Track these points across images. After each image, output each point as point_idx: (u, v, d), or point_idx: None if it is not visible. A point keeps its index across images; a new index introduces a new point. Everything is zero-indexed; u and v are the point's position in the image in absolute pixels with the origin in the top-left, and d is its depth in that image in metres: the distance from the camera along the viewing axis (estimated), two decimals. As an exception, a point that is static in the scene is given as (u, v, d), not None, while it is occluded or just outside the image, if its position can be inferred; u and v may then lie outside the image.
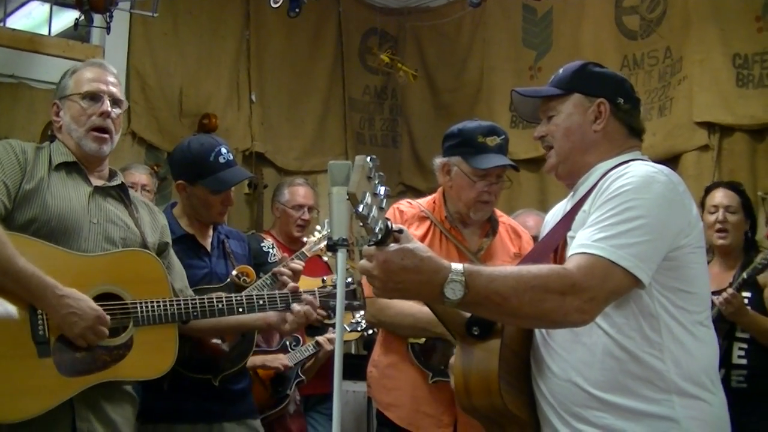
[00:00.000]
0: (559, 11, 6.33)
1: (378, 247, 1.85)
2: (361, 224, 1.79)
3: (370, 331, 4.03)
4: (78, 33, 5.49)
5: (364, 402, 5.38)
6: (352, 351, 5.90)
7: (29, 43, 5.39)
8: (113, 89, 2.84)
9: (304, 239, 4.13)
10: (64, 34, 5.68)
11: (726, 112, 5.25)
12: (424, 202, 3.40)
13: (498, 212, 3.45)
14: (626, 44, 5.88)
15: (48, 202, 2.62)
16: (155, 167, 5.51)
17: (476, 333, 2.12)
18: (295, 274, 3.29)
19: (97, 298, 2.59)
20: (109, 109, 2.80)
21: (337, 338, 1.95)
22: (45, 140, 4.32)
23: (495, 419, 2.17)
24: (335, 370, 1.90)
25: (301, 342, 4.36)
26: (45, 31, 5.63)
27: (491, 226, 3.37)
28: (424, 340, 3.17)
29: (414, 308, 3.13)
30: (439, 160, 3.33)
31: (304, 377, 4.35)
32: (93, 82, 2.81)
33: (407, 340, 3.20)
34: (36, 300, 2.50)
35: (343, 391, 1.94)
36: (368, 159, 1.80)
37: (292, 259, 3.42)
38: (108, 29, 5.23)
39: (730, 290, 3.77)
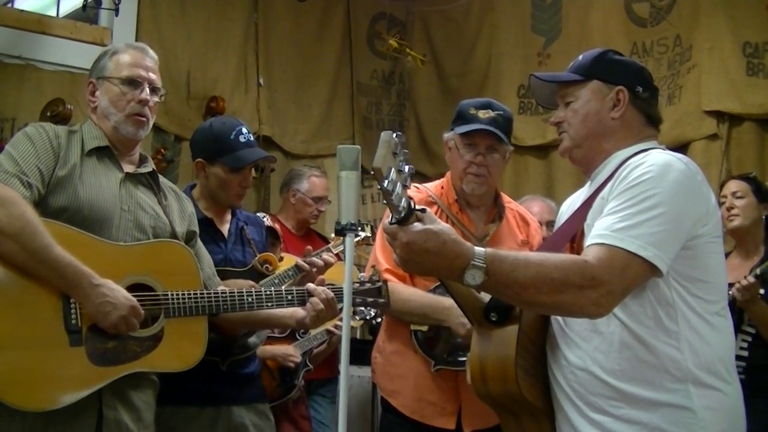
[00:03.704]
0: (568, -2, 6.30)
1: (400, 226, 1.85)
2: (385, 201, 1.78)
3: (379, 320, 4.07)
4: (86, 14, 5.47)
5: (369, 387, 5.38)
6: (357, 336, 5.90)
7: (37, 24, 5.36)
8: (153, 76, 2.81)
9: (332, 236, 4.13)
10: (72, 16, 5.65)
11: (735, 101, 5.23)
12: (432, 186, 3.37)
13: (506, 198, 3.44)
14: (635, 31, 5.85)
15: (79, 191, 2.61)
16: (162, 150, 5.50)
17: (494, 319, 2.13)
18: (326, 265, 3.29)
19: (129, 289, 2.58)
20: (149, 97, 2.78)
21: (344, 325, 1.94)
22: (44, 121, 4.34)
23: (509, 407, 2.17)
24: (342, 357, 1.89)
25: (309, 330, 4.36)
26: (53, 13, 5.60)
27: (498, 210, 3.35)
28: (427, 327, 3.16)
29: (418, 293, 3.14)
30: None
31: (311, 366, 4.35)
32: (134, 67, 2.78)
33: (410, 327, 3.19)
34: (71, 289, 2.48)
35: (347, 375, 1.95)
36: (394, 135, 1.79)
37: (318, 253, 3.40)
38: (116, 11, 5.23)
39: (750, 277, 3.80)
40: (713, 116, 5.30)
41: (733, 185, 4.18)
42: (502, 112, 3.24)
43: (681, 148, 5.23)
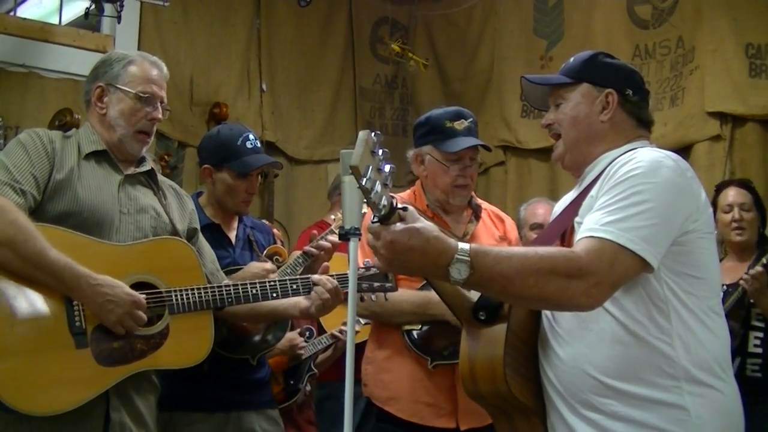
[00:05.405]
0: (570, 0, 6.29)
1: (382, 225, 1.84)
2: (365, 200, 1.77)
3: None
4: (88, 22, 5.50)
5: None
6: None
7: (40, 32, 5.40)
8: (164, 94, 2.81)
9: (332, 217, 4.14)
10: (75, 24, 5.69)
11: (738, 102, 5.21)
12: (404, 195, 3.39)
13: (479, 200, 3.47)
14: (638, 34, 5.84)
15: (79, 193, 2.60)
16: (166, 156, 5.52)
17: (483, 318, 2.12)
18: (333, 246, 3.28)
19: (132, 288, 2.56)
20: (160, 116, 2.78)
21: (348, 328, 1.93)
22: (54, 130, 4.35)
23: (501, 407, 2.16)
24: (347, 360, 1.88)
25: (314, 334, 4.35)
26: (55, 21, 5.65)
27: (474, 211, 3.38)
28: (420, 327, 3.15)
29: (408, 293, 3.13)
30: (411, 152, 3.35)
31: (316, 371, 4.34)
32: (149, 83, 2.75)
33: (402, 328, 3.17)
34: (71, 291, 2.47)
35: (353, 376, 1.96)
36: (372, 134, 1.78)
37: (322, 236, 3.39)
38: (119, 18, 5.25)
39: (759, 267, 3.80)
40: (716, 118, 5.28)
41: (741, 196, 4.11)
42: (472, 119, 3.29)
43: (684, 149, 5.23)
